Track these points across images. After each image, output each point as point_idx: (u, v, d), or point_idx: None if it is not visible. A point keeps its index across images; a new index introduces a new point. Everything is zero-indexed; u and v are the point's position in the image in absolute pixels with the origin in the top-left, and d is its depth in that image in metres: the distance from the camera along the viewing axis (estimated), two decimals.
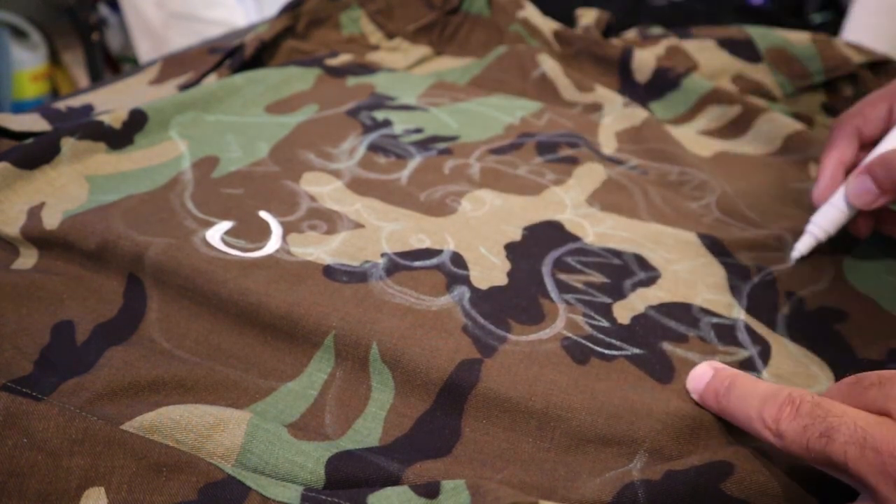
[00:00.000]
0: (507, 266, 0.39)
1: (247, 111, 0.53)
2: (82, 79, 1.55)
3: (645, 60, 0.64)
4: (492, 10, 0.72)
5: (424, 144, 0.50)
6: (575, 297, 0.37)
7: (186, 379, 0.31)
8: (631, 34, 0.73)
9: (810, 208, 0.43)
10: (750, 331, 0.37)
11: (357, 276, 0.36)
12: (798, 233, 0.44)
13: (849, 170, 0.42)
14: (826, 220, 0.41)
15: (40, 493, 0.25)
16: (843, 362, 0.35)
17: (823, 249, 0.43)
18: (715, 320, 0.37)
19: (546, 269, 0.39)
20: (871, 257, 0.43)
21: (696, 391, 0.32)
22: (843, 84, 0.64)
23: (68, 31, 1.48)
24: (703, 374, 0.31)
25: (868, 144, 0.42)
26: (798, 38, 0.68)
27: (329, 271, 0.36)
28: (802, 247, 0.42)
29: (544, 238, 0.41)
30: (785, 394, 0.27)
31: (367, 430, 0.30)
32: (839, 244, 0.44)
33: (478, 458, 0.29)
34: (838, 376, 0.34)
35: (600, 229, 0.43)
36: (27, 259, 0.37)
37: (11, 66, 1.45)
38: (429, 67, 0.68)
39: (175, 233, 0.38)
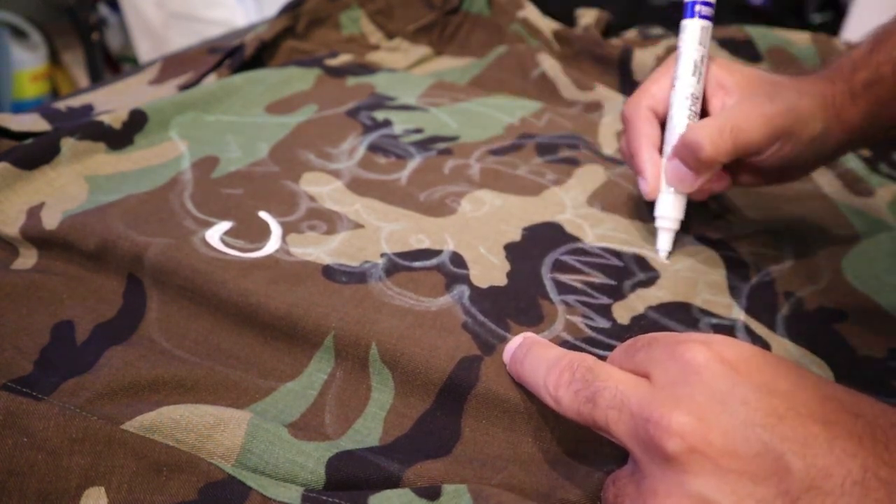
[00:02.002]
0: (506, 267, 0.39)
1: (246, 111, 0.53)
2: (82, 79, 1.55)
3: (645, 60, 0.64)
4: (492, 10, 0.72)
5: (424, 144, 0.50)
6: (574, 297, 0.37)
7: (186, 379, 0.31)
8: (631, 34, 0.74)
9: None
10: (749, 331, 0.36)
11: (356, 277, 0.36)
12: (796, 230, 0.44)
13: (661, 150, 0.41)
14: (670, 208, 0.40)
15: (40, 493, 0.25)
16: (842, 361, 0.35)
17: (821, 249, 0.43)
18: (714, 321, 0.37)
19: (545, 270, 0.39)
20: (871, 257, 0.43)
21: (506, 362, 0.31)
22: None
23: (68, 31, 1.48)
24: (513, 345, 0.31)
25: (663, 123, 0.41)
26: (798, 38, 0.68)
27: (328, 272, 0.36)
28: (664, 244, 0.41)
29: (544, 239, 0.41)
30: (566, 360, 0.27)
31: (367, 430, 0.30)
32: (838, 244, 0.44)
33: (478, 458, 0.29)
34: (838, 375, 0.34)
35: (600, 230, 0.43)
36: (27, 259, 0.37)
37: (11, 66, 1.45)
38: (429, 67, 0.68)
39: (174, 233, 0.38)
